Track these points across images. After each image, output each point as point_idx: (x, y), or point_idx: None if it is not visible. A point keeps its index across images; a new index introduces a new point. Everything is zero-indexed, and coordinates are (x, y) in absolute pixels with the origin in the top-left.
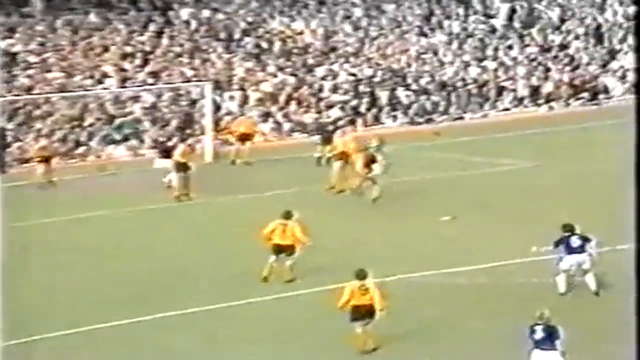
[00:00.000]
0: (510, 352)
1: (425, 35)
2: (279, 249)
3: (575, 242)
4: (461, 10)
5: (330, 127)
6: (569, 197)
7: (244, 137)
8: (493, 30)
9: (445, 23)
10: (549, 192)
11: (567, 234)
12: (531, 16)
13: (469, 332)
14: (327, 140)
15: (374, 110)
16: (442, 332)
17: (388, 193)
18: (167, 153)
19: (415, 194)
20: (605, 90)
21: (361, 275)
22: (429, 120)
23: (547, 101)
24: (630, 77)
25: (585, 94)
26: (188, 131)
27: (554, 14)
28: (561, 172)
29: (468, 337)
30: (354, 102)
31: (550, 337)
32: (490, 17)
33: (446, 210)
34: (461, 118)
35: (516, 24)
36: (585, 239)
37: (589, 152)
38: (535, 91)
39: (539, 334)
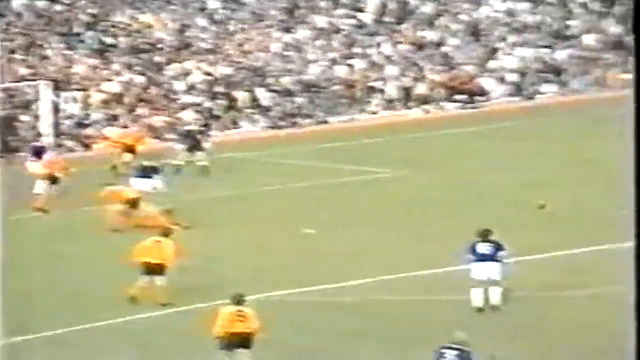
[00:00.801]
0: None
1: (288, 30)
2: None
3: (483, 249)
4: (327, 4)
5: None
6: (441, 209)
7: (130, 149)
8: (362, 25)
9: (310, 18)
10: (420, 202)
11: (478, 240)
12: (403, 11)
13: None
14: (194, 147)
15: (233, 113)
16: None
17: (244, 202)
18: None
19: (276, 205)
20: (483, 92)
21: (237, 300)
22: (292, 124)
23: (420, 104)
24: (511, 78)
25: (462, 97)
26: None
27: (428, 8)
28: (433, 182)
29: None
30: (210, 104)
31: None
32: (359, 11)
33: (310, 222)
34: (326, 122)
35: (387, 19)
36: (497, 247)
37: (465, 160)
38: (407, 93)
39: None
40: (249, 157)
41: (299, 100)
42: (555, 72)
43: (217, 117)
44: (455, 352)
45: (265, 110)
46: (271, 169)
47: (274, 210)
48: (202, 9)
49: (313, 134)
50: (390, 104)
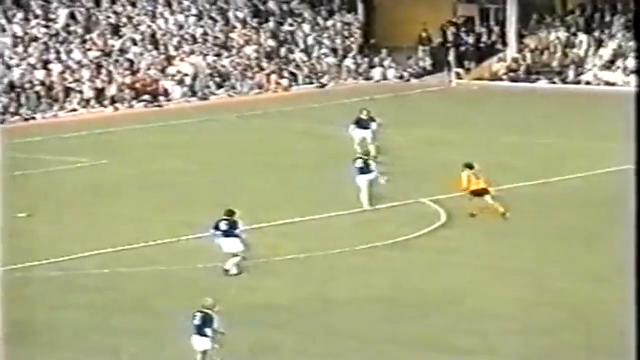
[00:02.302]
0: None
1: None
2: None
3: (224, 225)
4: (22, 14)
5: None
6: (136, 193)
7: None
8: (56, 34)
9: (8, 26)
10: (116, 188)
11: (222, 219)
12: (90, 21)
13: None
14: None
15: None
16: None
17: None
18: None
19: None
20: (165, 93)
21: None
22: (1, 121)
23: (112, 102)
24: (187, 81)
25: (147, 96)
26: None
27: (112, 19)
28: (126, 170)
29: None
30: None
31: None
32: (51, 20)
33: (21, 207)
34: (33, 118)
35: (77, 29)
36: (233, 224)
37: (152, 151)
38: (100, 93)
39: (197, 320)
40: None
41: (4, 99)
42: (222, 76)
43: None
44: (200, 314)
45: None
46: None
47: None
48: None
49: (19, 130)
50: (87, 102)
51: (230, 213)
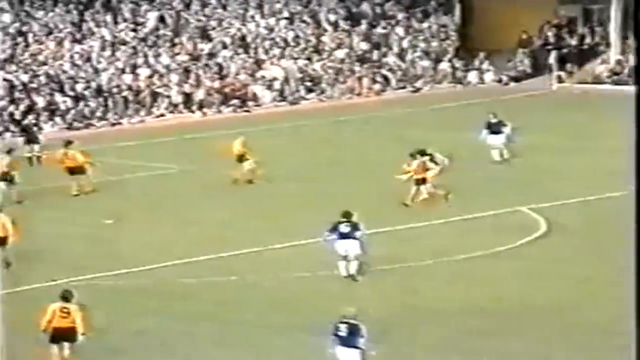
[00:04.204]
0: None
1: (78, 41)
2: None
3: (344, 228)
4: (110, 18)
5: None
6: (226, 200)
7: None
8: (144, 38)
9: (96, 30)
10: (204, 195)
11: (340, 221)
12: (179, 24)
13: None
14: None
15: (32, 116)
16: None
17: (42, 195)
18: None
19: (76, 197)
20: (254, 98)
21: (64, 297)
22: (88, 125)
23: (200, 107)
24: (276, 86)
25: (236, 101)
26: None
27: (202, 23)
28: (215, 177)
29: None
30: (11, 108)
31: (353, 335)
32: (140, 24)
33: (109, 213)
34: (120, 123)
35: (166, 32)
36: (354, 226)
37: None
38: (188, 98)
39: (343, 331)
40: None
41: (92, 104)
42: (313, 80)
43: (18, 121)
44: (346, 325)
45: (62, 113)
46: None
47: (73, 203)
48: None
49: (106, 135)
50: (174, 107)
51: (349, 215)
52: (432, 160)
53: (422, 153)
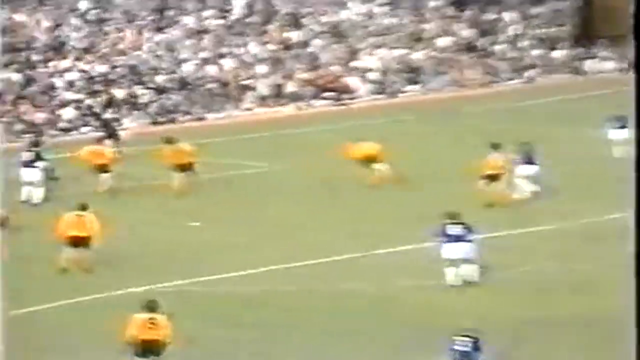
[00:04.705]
0: None
1: (160, 30)
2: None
3: (454, 230)
4: (195, 5)
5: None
6: (321, 201)
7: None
8: (230, 25)
9: (180, 18)
10: (298, 196)
11: (446, 222)
12: (269, 11)
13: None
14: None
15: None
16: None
17: (133, 195)
18: None
19: (161, 198)
20: (349, 90)
21: (150, 306)
22: (171, 120)
23: (291, 100)
24: (373, 77)
25: (329, 94)
26: None
27: (292, 10)
28: (308, 176)
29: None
30: (89, 101)
31: (473, 352)
32: (226, 11)
33: (194, 215)
34: (204, 118)
35: (254, 20)
36: (467, 228)
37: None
38: (278, 90)
39: (462, 347)
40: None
41: (175, 97)
42: (413, 71)
43: (96, 114)
44: (464, 340)
45: (143, 107)
46: (157, 162)
47: (160, 204)
48: (73, 10)
49: (191, 130)
50: (262, 100)
51: (456, 216)
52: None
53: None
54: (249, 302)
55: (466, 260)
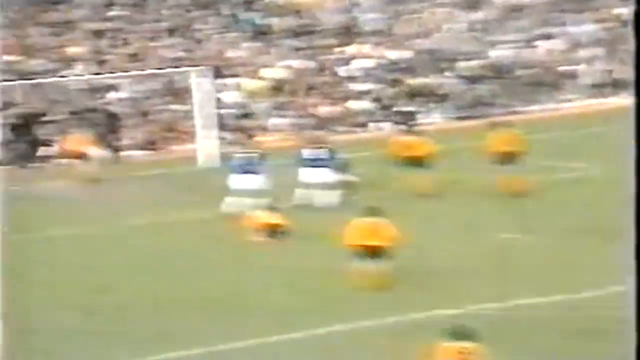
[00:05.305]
0: None
1: (472, 8)
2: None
3: None
4: None
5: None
6: None
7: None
8: (555, 1)
9: None
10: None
11: None
12: None
13: None
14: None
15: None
16: None
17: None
18: None
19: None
20: None
21: (460, 333)
22: (477, 114)
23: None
24: None
25: None
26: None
27: None
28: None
29: None
30: (389, 92)
31: None
32: None
33: (517, 224)
34: (520, 112)
35: None
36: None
37: None
38: (607, 78)
39: None
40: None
41: (489, 87)
42: None
43: (387, 107)
44: None
45: (444, 99)
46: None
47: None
48: None
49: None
50: (598, 90)
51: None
52: None
53: None
54: (583, 332)
55: None
